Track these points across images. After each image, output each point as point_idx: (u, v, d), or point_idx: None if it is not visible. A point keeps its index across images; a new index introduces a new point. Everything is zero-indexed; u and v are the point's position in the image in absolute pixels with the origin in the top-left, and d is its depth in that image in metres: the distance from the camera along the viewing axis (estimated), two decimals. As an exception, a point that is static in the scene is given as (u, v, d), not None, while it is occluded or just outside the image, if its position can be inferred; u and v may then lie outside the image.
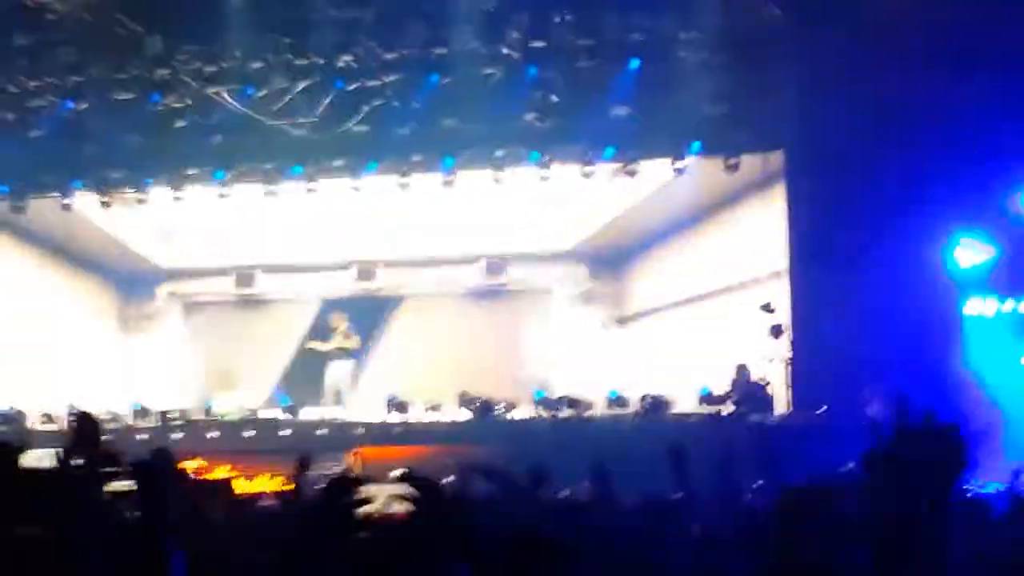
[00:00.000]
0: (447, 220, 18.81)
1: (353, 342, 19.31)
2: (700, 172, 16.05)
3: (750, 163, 15.55)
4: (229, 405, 17.64)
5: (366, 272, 20.60)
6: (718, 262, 17.46)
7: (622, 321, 20.78)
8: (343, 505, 4.81)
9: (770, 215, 15.78)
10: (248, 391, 19.08)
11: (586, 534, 5.56)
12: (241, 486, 12.13)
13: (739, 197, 16.93)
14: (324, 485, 5.33)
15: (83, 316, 20.21)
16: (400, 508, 5.00)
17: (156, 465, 6.06)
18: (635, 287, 20.79)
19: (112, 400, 17.41)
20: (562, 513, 6.22)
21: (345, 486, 5.04)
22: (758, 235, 16.28)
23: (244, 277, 20.67)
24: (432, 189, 16.59)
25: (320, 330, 19.73)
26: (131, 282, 21.38)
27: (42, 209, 17.10)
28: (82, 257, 20.06)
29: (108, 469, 6.29)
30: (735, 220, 17.24)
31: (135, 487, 5.37)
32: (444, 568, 4.38)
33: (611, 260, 20.89)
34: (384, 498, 5.67)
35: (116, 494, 5.87)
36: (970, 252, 14.39)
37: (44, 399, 16.45)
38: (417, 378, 18.65)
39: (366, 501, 4.99)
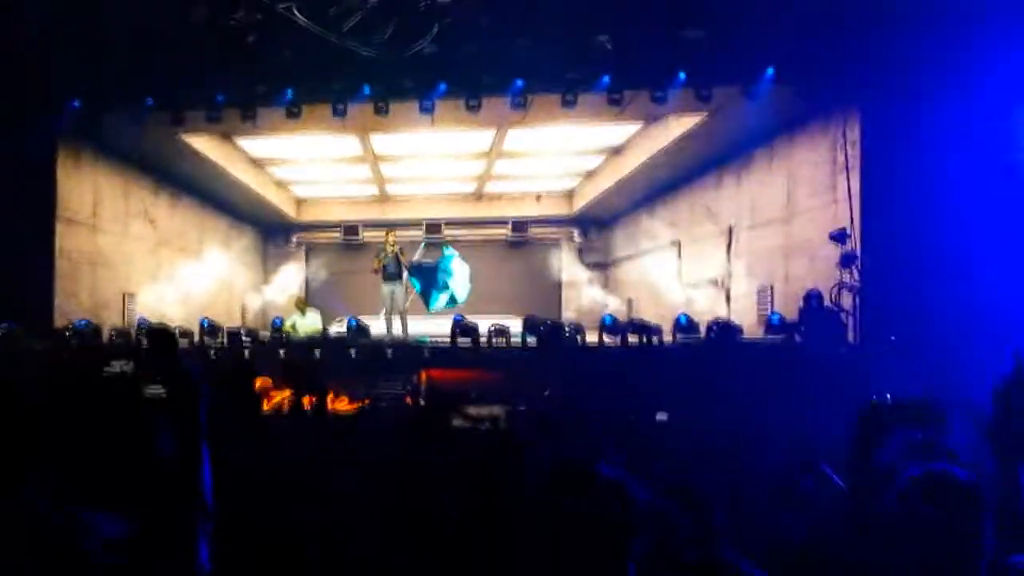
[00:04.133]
0: (488, 193, 27.80)
1: (404, 257, 20.56)
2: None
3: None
4: (307, 323, 19.42)
5: (434, 227, 27.51)
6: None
7: (607, 264, 28.39)
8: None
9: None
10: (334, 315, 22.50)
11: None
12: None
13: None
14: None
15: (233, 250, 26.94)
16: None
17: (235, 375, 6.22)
18: (617, 240, 28.42)
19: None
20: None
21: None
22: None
23: (350, 229, 29.34)
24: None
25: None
26: (273, 230, 30.17)
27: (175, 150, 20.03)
28: (237, 212, 27.20)
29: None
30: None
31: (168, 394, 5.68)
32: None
33: (599, 222, 29.22)
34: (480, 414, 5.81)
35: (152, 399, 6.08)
36: None
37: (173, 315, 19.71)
38: (472, 301, 21.95)
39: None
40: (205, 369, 6.41)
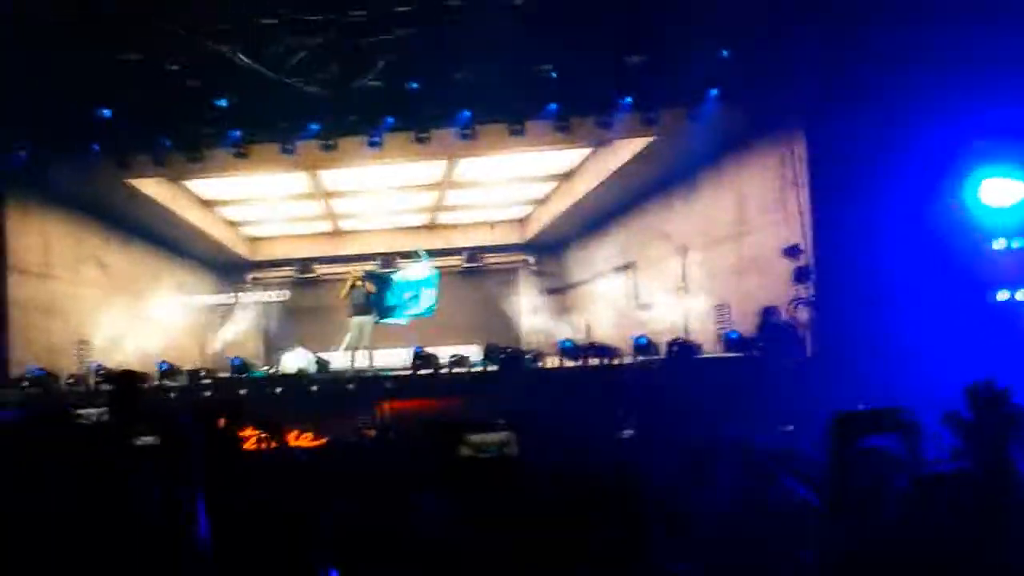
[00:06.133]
0: (441, 223, 27.94)
1: (369, 287, 20.87)
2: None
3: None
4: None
5: (387, 261, 26.34)
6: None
7: (562, 288, 28.16)
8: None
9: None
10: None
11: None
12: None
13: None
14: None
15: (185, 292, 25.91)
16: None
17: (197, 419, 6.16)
18: (572, 265, 28.37)
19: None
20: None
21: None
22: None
23: (304, 267, 28.74)
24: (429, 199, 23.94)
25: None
26: (227, 270, 29.25)
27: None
28: (190, 253, 26.78)
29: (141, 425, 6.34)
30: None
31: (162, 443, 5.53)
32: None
33: (553, 248, 28.89)
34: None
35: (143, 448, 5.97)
36: (999, 191, 14.13)
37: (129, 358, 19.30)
38: (429, 331, 22.22)
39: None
40: (196, 415, 6.26)
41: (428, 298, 22.12)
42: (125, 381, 6.92)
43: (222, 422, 6.38)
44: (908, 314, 13.32)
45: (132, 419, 6.16)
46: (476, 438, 6.01)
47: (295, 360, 20.84)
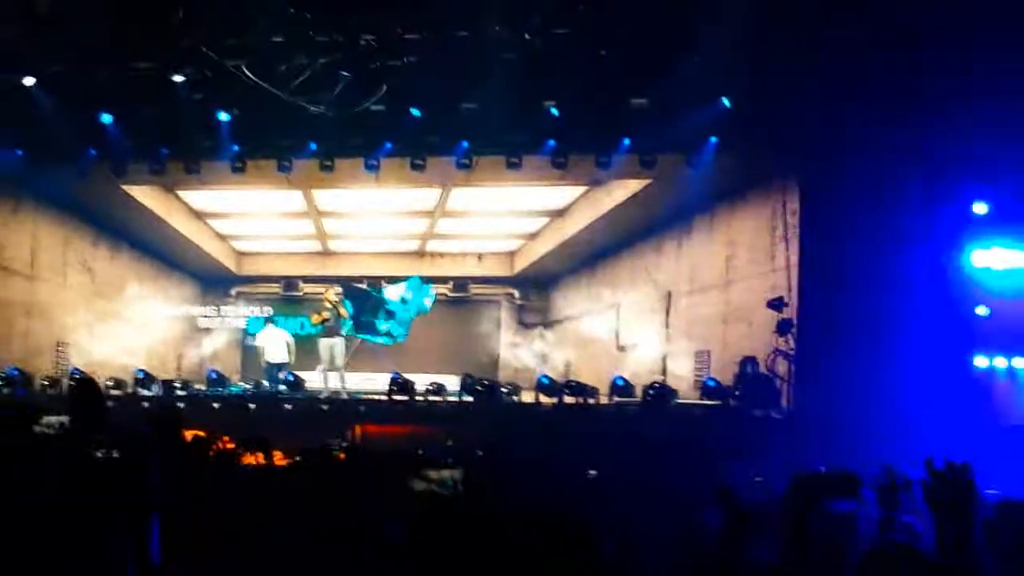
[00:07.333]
0: (430, 251, 27.64)
1: (343, 310, 21.16)
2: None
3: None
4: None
5: (374, 282, 25.39)
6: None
7: (547, 324, 27.76)
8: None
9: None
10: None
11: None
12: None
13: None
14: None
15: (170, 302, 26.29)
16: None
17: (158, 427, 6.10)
18: (557, 301, 28.35)
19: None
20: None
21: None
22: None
23: (290, 284, 28.44)
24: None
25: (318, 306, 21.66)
26: (213, 282, 29.07)
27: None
28: (177, 263, 26.92)
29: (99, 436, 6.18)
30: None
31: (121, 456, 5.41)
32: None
33: (539, 283, 28.78)
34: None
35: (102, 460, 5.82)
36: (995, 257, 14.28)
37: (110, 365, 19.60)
38: (409, 358, 22.71)
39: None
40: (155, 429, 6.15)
41: (404, 323, 22.30)
42: (84, 390, 6.72)
43: (190, 435, 6.29)
44: (887, 374, 13.41)
45: (91, 430, 6.02)
46: (433, 473, 6.00)
47: (268, 339, 21.04)
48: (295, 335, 21.71)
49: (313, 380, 19.70)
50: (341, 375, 19.77)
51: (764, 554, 5.29)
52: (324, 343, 20.04)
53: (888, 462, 6.92)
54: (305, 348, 21.27)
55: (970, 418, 12.70)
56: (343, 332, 20.53)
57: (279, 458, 14.05)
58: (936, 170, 13.59)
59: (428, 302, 23.61)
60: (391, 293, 23.34)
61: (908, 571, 3.79)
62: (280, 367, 20.21)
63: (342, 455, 13.59)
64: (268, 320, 22.32)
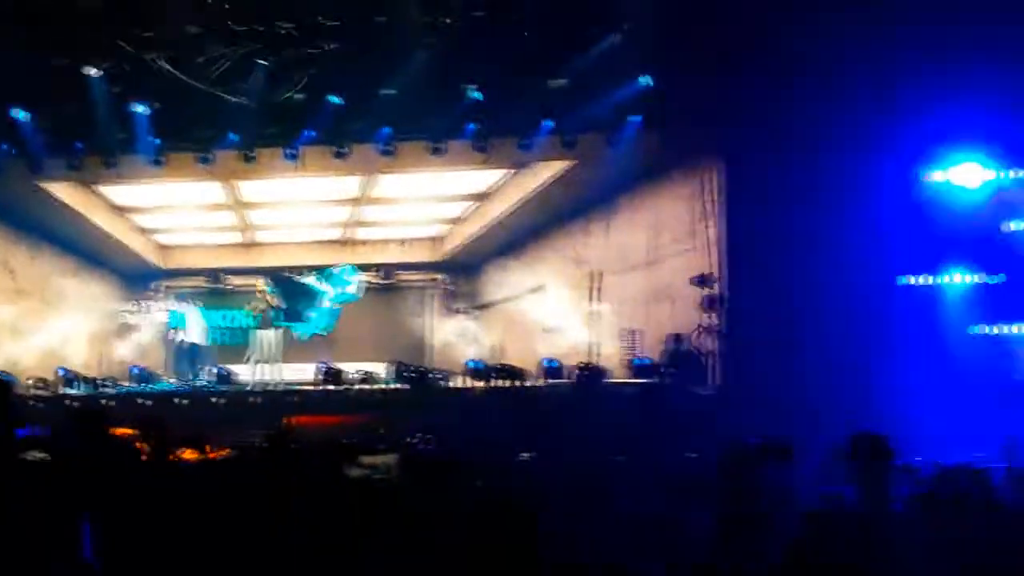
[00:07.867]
0: (355, 239, 26.75)
1: (274, 300, 20.69)
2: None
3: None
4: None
5: (302, 271, 24.94)
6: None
7: (474, 308, 26.92)
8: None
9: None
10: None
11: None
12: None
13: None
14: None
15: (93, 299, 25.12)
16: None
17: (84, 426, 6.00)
18: (485, 286, 26.97)
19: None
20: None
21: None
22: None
23: (215, 276, 26.77)
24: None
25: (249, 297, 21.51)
26: (136, 278, 27.48)
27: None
28: (100, 260, 25.58)
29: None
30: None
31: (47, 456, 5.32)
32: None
33: (467, 268, 27.52)
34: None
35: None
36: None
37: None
38: (339, 346, 22.68)
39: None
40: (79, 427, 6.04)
41: (333, 314, 22.24)
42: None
43: (119, 433, 6.19)
44: (814, 347, 13.58)
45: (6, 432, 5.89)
46: (368, 459, 5.99)
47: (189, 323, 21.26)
48: (223, 328, 21.50)
49: (243, 373, 19.57)
50: (278, 367, 19.66)
51: (704, 520, 5.37)
52: (259, 335, 19.95)
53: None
54: (235, 340, 21.10)
55: (898, 386, 12.84)
56: (275, 323, 20.39)
57: (212, 453, 13.97)
58: (861, 130, 13.72)
59: (353, 289, 23.48)
60: (318, 282, 23.22)
61: (839, 527, 3.90)
62: (198, 348, 20.06)
63: (274, 446, 13.54)
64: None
